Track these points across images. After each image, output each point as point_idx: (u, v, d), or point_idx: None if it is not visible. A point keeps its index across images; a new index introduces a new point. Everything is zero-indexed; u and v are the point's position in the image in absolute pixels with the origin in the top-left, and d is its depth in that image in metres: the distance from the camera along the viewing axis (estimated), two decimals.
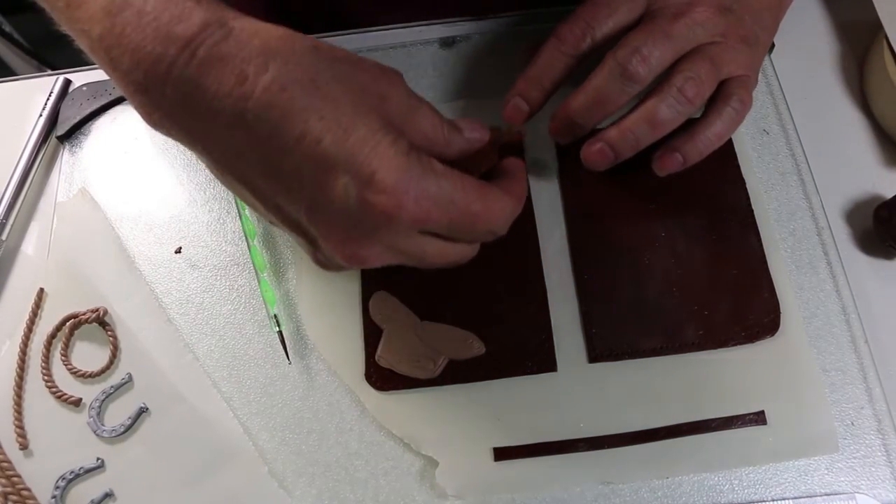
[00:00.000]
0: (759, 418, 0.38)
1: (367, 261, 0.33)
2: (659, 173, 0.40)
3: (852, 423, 0.38)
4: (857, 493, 0.36)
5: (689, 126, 0.39)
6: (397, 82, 0.32)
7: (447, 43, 0.50)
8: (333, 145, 0.29)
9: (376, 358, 0.40)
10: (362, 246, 0.32)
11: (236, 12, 0.30)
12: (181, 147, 0.47)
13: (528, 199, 0.44)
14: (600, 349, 0.40)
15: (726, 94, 0.38)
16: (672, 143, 0.39)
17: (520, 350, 0.40)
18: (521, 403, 0.39)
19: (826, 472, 0.37)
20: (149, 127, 0.32)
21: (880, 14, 0.45)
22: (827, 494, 0.36)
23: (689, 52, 0.38)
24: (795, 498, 0.36)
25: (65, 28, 0.33)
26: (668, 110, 0.37)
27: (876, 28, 0.46)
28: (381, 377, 0.40)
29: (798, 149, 0.45)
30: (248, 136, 0.29)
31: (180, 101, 0.29)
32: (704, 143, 0.39)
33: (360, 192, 0.29)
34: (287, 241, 0.44)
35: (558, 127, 0.41)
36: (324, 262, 0.35)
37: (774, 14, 0.41)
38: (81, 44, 0.32)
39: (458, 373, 0.40)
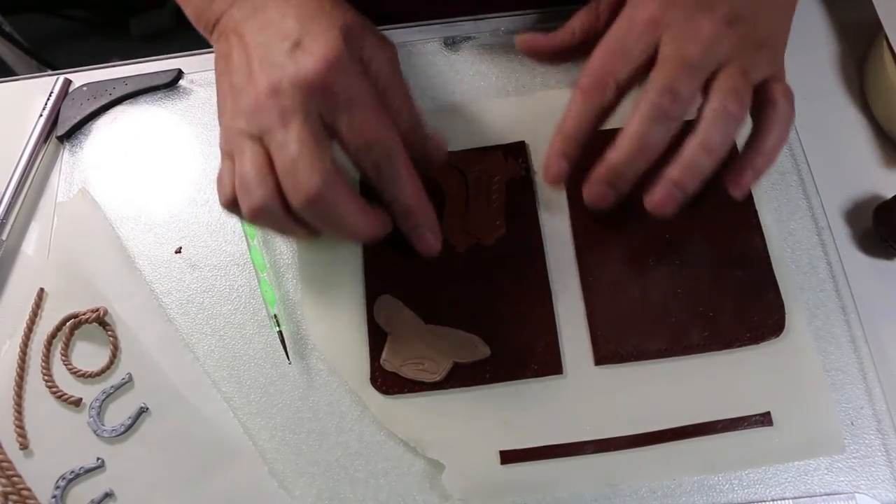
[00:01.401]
0: (765, 419, 0.38)
1: (268, 114, 0.35)
2: (738, 196, 0.38)
3: (852, 423, 0.38)
4: (857, 492, 0.36)
5: (749, 144, 0.38)
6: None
7: (447, 43, 0.50)
8: (299, 24, 0.36)
9: (381, 361, 0.40)
10: (275, 97, 0.35)
11: None
12: (181, 147, 0.48)
13: (533, 203, 0.44)
14: (606, 352, 0.40)
15: (770, 96, 0.38)
16: (742, 163, 0.38)
17: (525, 353, 0.40)
18: (526, 406, 0.39)
19: (826, 472, 0.37)
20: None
21: (880, 14, 0.45)
22: (827, 494, 0.36)
23: (717, 72, 0.37)
24: (795, 498, 0.36)
25: None
26: (718, 133, 0.36)
27: (876, 28, 0.46)
28: (386, 381, 0.40)
29: (798, 149, 0.45)
30: None
31: None
32: (772, 150, 0.38)
33: (294, 47, 0.35)
34: (287, 242, 0.44)
35: (601, 190, 0.39)
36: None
37: (787, 12, 0.41)
38: None
39: (463, 376, 0.40)
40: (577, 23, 0.43)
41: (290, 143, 0.34)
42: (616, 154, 0.37)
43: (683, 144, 0.37)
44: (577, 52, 0.43)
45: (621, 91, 0.38)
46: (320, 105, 0.35)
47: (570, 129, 0.39)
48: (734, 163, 0.38)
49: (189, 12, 0.42)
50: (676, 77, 0.36)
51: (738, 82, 0.37)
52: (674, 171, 0.37)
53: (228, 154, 0.37)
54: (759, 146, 0.38)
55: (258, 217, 0.36)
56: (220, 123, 0.38)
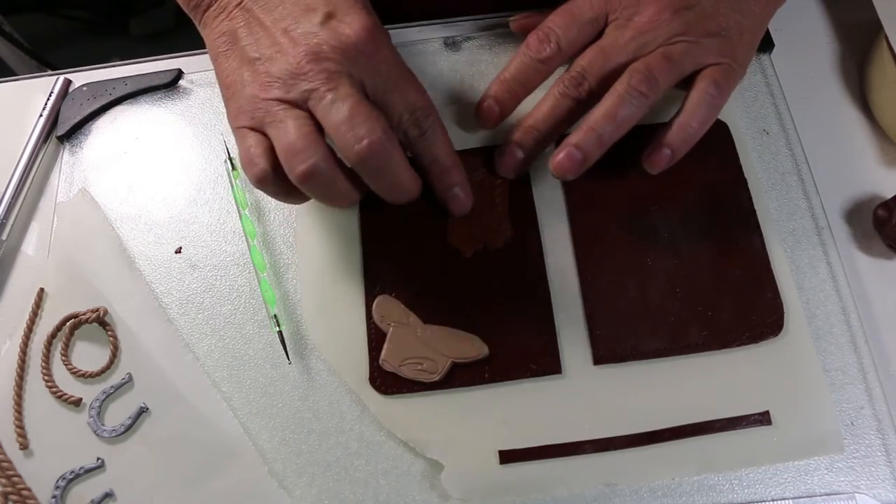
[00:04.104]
0: (764, 419, 0.38)
1: (311, 76, 0.36)
2: (651, 171, 0.41)
3: (852, 423, 0.38)
4: (857, 492, 0.36)
5: (670, 121, 0.40)
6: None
7: (447, 43, 0.50)
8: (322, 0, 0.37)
9: (380, 362, 0.40)
10: (317, 61, 0.36)
11: None
12: (181, 147, 0.48)
13: (531, 202, 0.44)
14: (605, 351, 0.40)
15: (697, 81, 0.40)
16: (657, 139, 0.40)
17: (524, 353, 0.40)
18: (525, 406, 0.39)
19: (826, 472, 0.37)
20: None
21: (880, 14, 0.45)
22: (827, 494, 0.36)
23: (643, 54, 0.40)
24: (795, 498, 0.36)
25: None
26: (624, 105, 0.39)
27: (876, 28, 0.46)
28: (385, 381, 0.40)
29: (798, 149, 0.45)
30: None
31: None
32: (687, 131, 0.39)
33: (327, 18, 0.36)
34: (287, 242, 0.44)
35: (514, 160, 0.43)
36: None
37: (761, 5, 0.41)
38: None
39: (462, 376, 0.40)
40: None
41: (343, 99, 0.35)
42: (529, 120, 0.42)
43: (589, 113, 0.40)
44: None
45: (563, 53, 0.42)
46: (362, 69, 0.36)
47: (507, 76, 0.42)
48: (653, 139, 0.41)
49: None
50: (592, 60, 0.40)
51: (652, 63, 0.39)
52: (575, 136, 0.40)
53: (255, 127, 0.37)
54: (673, 124, 0.40)
55: (311, 180, 0.36)
56: (233, 98, 0.38)
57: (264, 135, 0.37)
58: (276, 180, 0.37)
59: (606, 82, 0.40)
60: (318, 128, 0.36)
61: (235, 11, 0.39)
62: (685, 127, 0.39)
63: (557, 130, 0.42)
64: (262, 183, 0.37)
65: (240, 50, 0.38)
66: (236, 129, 0.38)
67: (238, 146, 0.38)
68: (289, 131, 0.35)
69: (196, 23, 0.42)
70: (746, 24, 0.41)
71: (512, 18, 0.47)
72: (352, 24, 0.36)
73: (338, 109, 0.35)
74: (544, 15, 0.43)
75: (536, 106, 0.42)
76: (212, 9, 0.40)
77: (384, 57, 0.37)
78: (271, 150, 0.36)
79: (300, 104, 0.36)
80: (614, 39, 0.40)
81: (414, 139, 0.39)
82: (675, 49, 0.39)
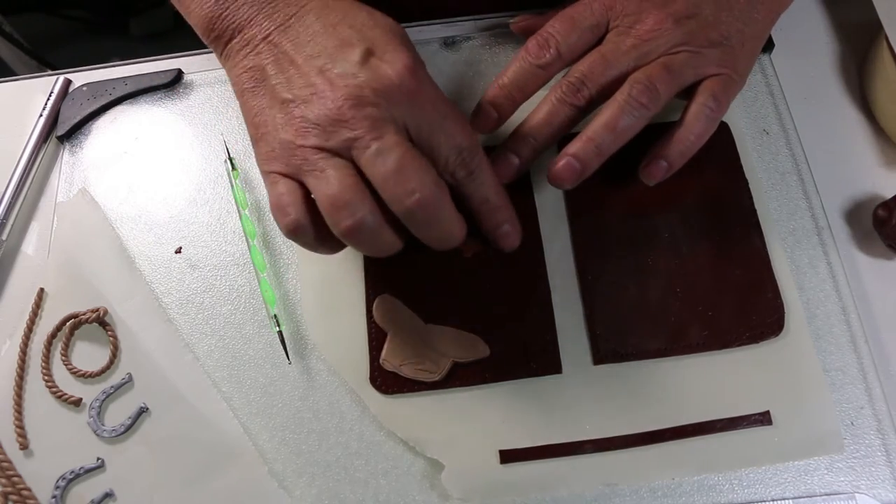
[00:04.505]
0: (764, 419, 0.38)
1: (352, 124, 0.34)
2: (648, 182, 0.41)
3: (852, 423, 0.38)
4: (857, 492, 0.36)
5: (668, 132, 0.40)
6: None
7: (447, 43, 0.50)
8: (358, 33, 0.36)
9: (381, 361, 0.40)
10: (360, 107, 0.34)
11: None
12: (181, 147, 0.48)
13: (532, 201, 0.44)
14: (605, 351, 0.40)
15: (696, 93, 0.39)
16: (654, 151, 0.40)
17: (524, 352, 0.40)
18: (526, 406, 0.39)
19: (826, 471, 0.37)
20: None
21: (880, 14, 0.45)
22: (827, 494, 0.36)
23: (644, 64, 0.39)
24: (795, 498, 0.36)
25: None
26: (624, 116, 0.38)
27: (876, 28, 0.46)
28: (386, 380, 0.40)
29: (798, 149, 0.45)
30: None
31: None
32: (685, 143, 0.39)
33: (367, 56, 0.34)
34: (287, 242, 0.44)
35: (510, 163, 0.42)
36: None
37: (763, 13, 0.41)
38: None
39: (462, 375, 0.40)
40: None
41: (392, 149, 0.33)
42: (524, 127, 0.41)
43: (591, 121, 0.39)
44: None
45: (562, 58, 0.41)
46: (405, 113, 0.34)
47: (505, 80, 0.41)
48: (650, 150, 0.40)
49: (195, 19, 0.39)
50: (592, 66, 0.40)
51: (653, 74, 0.39)
52: (574, 145, 0.39)
53: (290, 174, 0.35)
54: (673, 136, 0.40)
55: (357, 235, 0.34)
56: (262, 140, 0.36)
57: (298, 181, 0.35)
58: (310, 231, 0.35)
59: (605, 90, 0.39)
60: (362, 178, 0.34)
61: (262, 45, 0.36)
62: (683, 140, 0.39)
63: (554, 137, 0.41)
64: (294, 234, 0.35)
65: (269, 89, 0.36)
66: (267, 174, 0.36)
67: (269, 192, 0.36)
68: (331, 183, 0.33)
69: (217, 55, 0.40)
70: (749, 32, 0.40)
71: (512, 20, 0.47)
72: (394, 64, 0.34)
73: (384, 160, 0.33)
74: (545, 17, 0.43)
75: (533, 111, 0.41)
76: (234, 42, 0.38)
77: (428, 97, 0.35)
78: (305, 200, 0.35)
79: (342, 153, 0.34)
80: (615, 46, 0.40)
81: (462, 180, 0.37)
82: (677, 59, 0.39)
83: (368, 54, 0.35)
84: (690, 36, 0.39)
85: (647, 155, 0.40)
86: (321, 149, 0.34)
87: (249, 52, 0.37)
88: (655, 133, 0.40)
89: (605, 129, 0.38)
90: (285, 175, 0.35)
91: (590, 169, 0.39)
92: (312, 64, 0.35)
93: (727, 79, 0.40)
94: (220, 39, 0.38)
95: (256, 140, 0.36)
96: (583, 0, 0.41)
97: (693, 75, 0.39)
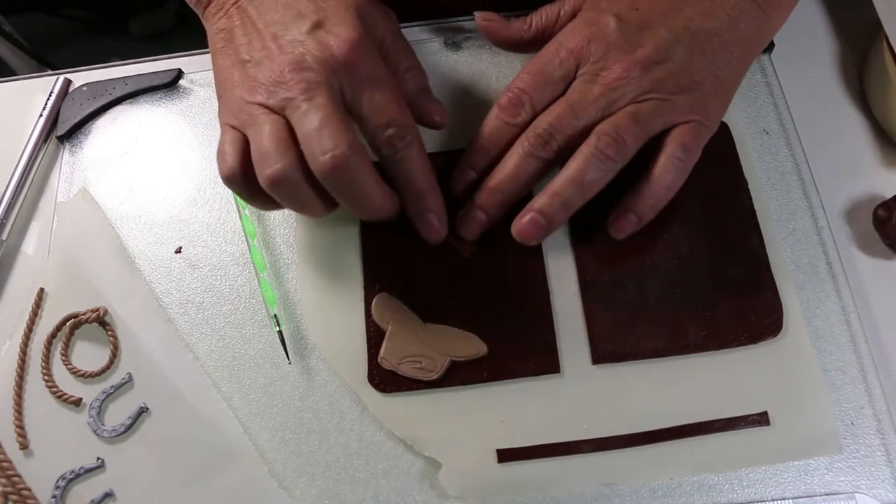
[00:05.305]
0: (762, 419, 0.38)
1: (291, 85, 0.36)
2: (617, 237, 0.40)
3: (852, 423, 0.38)
4: (857, 492, 0.36)
5: (637, 184, 0.39)
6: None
7: (447, 43, 0.50)
8: (314, 6, 0.38)
9: (379, 360, 0.40)
10: (299, 71, 0.36)
11: None
12: (181, 147, 0.48)
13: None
14: (603, 351, 0.40)
15: (665, 143, 0.39)
16: (623, 204, 0.40)
17: (523, 352, 0.40)
18: (524, 405, 0.39)
19: (826, 472, 0.37)
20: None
21: (880, 14, 0.45)
22: (827, 494, 0.36)
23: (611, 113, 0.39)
24: (795, 498, 0.36)
25: None
26: (591, 170, 0.38)
27: (876, 28, 0.46)
28: (384, 379, 0.40)
29: (798, 149, 0.45)
30: None
31: None
32: (654, 197, 0.39)
33: (315, 27, 0.37)
34: (287, 242, 0.44)
35: (476, 219, 0.41)
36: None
37: (737, 57, 0.40)
38: None
39: (460, 375, 0.40)
40: (537, 18, 0.43)
41: (316, 110, 0.35)
42: (491, 181, 0.40)
43: (555, 177, 0.39)
44: (527, 46, 0.44)
45: (536, 112, 0.40)
46: (343, 81, 0.36)
47: (481, 143, 0.41)
48: (619, 203, 0.40)
49: None
50: (560, 118, 0.39)
51: (620, 125, 0.38)
52: (539, 200, 0.39)
53: (237, 127, 0.37)
54: (641, 190, 0.39)
55: (277, 186, 0.36)
56: (223, 96, 0.39)
57: (244, 135, 0.37)
58: (243, 181, 0.37)
59: (573, 141, 0.38)
60: (293, 135, 0.36)
61: (233, 10, 0.40)
62: (652, 194, 0.39)
63: (522, 192, 0.40)
64: (228, 180, 0.37)
65: (234, 49, 0.39)
66: (222, 125, 0.38)
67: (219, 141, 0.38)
68: (263, 135, 0.36)
69: (200, 17, 0.43)
70: (722, 75, 0.39)
71: (478, 14, 0.45)
72: (338, 36, 0.36)
73: (309, 119, 0.35)
74: (510, 24, 0.43)
75: (501, 164, 0.40)
76: (212, 5, 0.41)
77: (365, 71, 0.37)
78: (244, 151, 0.37)
79: (279, 111, 0.36)
80: (582, 96, 0.39)
81: (388, 157, 0.38)
82: (644, 108, 0.38)
83: (317, 26, 0.37)
84: (659, 83, 0.38)
85: (616, 208, 0.40)
86: (263, 105, 0.36)
87: (222, 16, 0.40)
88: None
89: (571, 183, 0.38)
90: (234, 127, 0.37)
91: (556, 224, 0.39)
92: (269, 30, 0.38)
93: (698, 126, 0.39)
94: (199, 4, 0.42)
95: (219, 96, 0.39)
96: (550, 49, 0.40)
97: (662, 123, 0.38)
